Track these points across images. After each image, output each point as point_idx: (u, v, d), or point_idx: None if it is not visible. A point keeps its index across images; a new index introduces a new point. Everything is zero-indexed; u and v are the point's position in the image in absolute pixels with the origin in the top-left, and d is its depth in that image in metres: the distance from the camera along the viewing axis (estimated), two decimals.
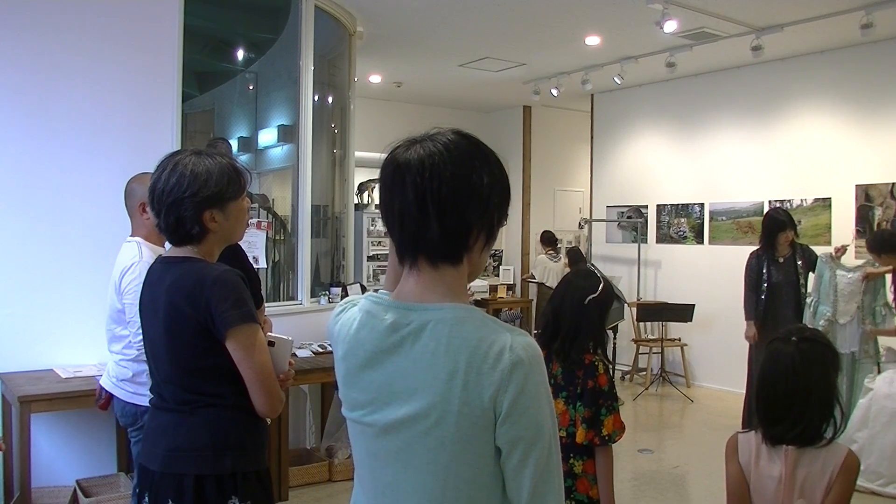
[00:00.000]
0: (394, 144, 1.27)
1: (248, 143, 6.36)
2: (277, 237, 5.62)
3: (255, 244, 4.70)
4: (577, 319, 2.49)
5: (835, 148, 6.83)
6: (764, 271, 5.41)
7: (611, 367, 2.85)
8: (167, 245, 2.22)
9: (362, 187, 8.14)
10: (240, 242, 2.53)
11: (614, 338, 7.73)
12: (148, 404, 2.12)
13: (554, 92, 7.95)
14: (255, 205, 4.95)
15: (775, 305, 5.38)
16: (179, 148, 4.29)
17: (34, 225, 3.96)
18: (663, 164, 8.29)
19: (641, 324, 7.94)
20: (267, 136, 6.18)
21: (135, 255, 2.86)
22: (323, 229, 5.98)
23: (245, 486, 1.94)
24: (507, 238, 10.05)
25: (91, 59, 4.10)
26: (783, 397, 1.93)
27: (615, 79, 7.32)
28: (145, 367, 2.71)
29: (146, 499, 1.96)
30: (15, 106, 3.93)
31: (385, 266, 8.14)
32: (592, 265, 8.17)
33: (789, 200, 7.11)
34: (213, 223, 1.98)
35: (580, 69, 7.57)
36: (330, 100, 6.21)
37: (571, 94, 8.32)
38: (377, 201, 8.22)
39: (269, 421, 2.09)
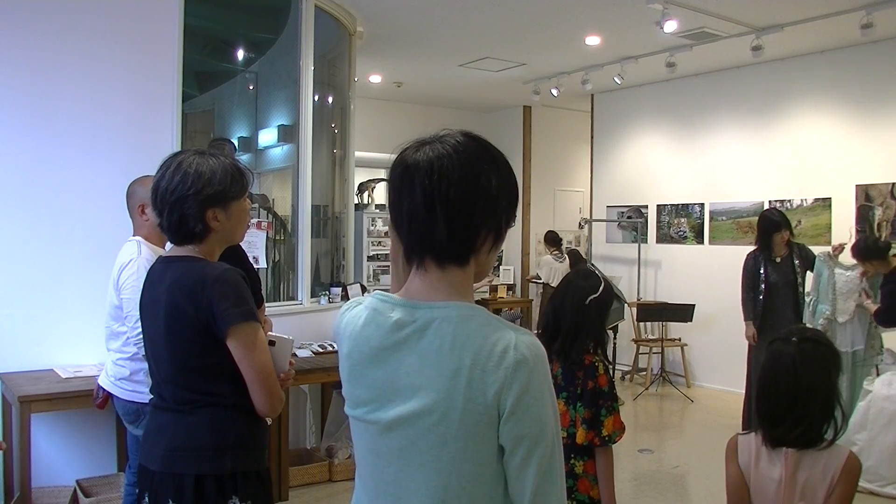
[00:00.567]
0: (403, 145, 1.27)
1: (248, 143, 6.36)
2: (277, 237, 5.62)
3: (255, 244, 4.71)
4: (577, 319, 2.49)
5: (835, 148, 6.83)
6: (761, 272, 5.41)
7: (611, 367, 2.85)
8: (167, 246, 2.22)
9: (362, 187, 8.15)
10: (240, 242, 2.54)
11: (614, 338, 7.73)
12: (148, 400, 2.12)
13: (554, 92, 7.95)
14: (255, 205, 4.95)
15: (774, 305, 5.38)
16: (179, 148, 4.29)
17: (34, 225, 3.96)
18: (663, 164, 8.29)
19: (641, 324, 7.94)
20: (267, 136, 6.18)
21: (133, 252, 2.89)
22: (323, 229, 5.97)
23: (245, 485, 1.94)
24: (507, 238, 9.95)
25: (91, 59, 4.10)
26: (784, 398, 1.91)
27: (615, 79, 7.32)
28: (143, 365, 2.73)
29: (146, 499, 1.96)
30: (15, 106, 3.93)
31: (385, 266, 8.17)
32: (592, 265, 8.17)
33: (789, 200, 7.11)
34: (215, 222, 1.98)
35: (580, 69, 7.57)
36: (330, 100, 6.21)
37: (571, 94, 8.32)
38: (377, 201, 8.22)
39: (269, 421, 2.09)
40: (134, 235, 3.02)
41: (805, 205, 7.01)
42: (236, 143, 6.34)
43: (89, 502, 3.72)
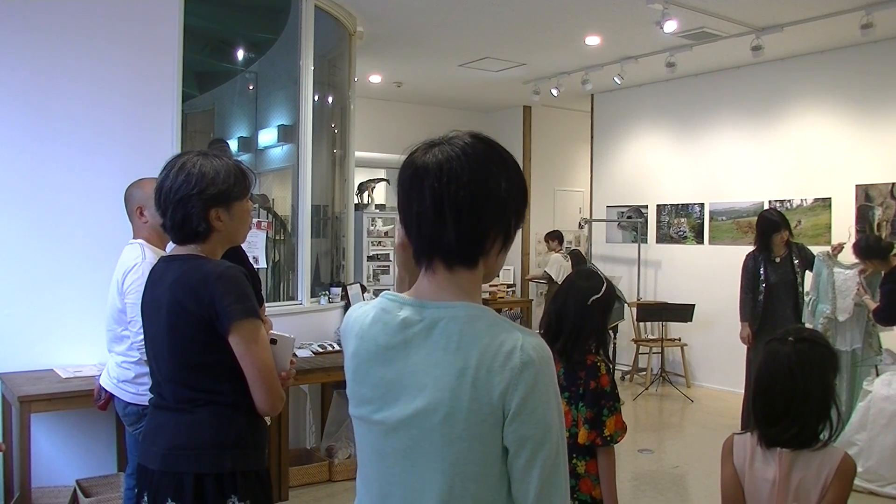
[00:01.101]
0: (411, 147, 1.27)
1: (248, 143, 6.36)
2: (277, 237, 5.62)
3: (255, 244, 4.71)
4: (579, 320, 2.49)
5: (835, 148, 6.83)
6: (761, 272, 5.41)
7: (612, 367, 2.85)
8: (169, 247, 2.22)
9: (362, 187, 8.14)
10: (242, 243, 2.55)
11: (614, 338, 7.73)
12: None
13: (554, 92, 7.95)
14: (256, 205, 4.95)
15: (774, 305, 5.38)
16: (180, 148, 4.30)
17: (34, 225, 3.96)
18: (663, 164, 8.29)
19: (641, 324, 7.94)
20: (267, 136, 6.18)
21: (138, 256, 2.87)
22: (323, 229, 5.97)
23: (245, 485, 1.94)
24: None
25: (91, 59, 4.10)
26: (780, 398, 1.91)
27: (615, 79, 7.32)
28: (148, 368, 2.73)
29: (145, 498, 1.96)
30: (15, 106, 3.93)
31: (385, 266, 8.16)
32: (592, 265, 8.17)
33: (789, 200, 7.11)
34: (218, 222, 2.00)
35: (580, 69, 7.57)
36: (330, 100, 6.21)
37: (571, 94, 8.32)
38: (377, 201, 8.20)
39: (268, 421, 2.09)
40: (134, 238, 2.99)
41: (805, 205, 7.01)
42: (236, 144, 6.34)
43: (89, 502, 3.72)
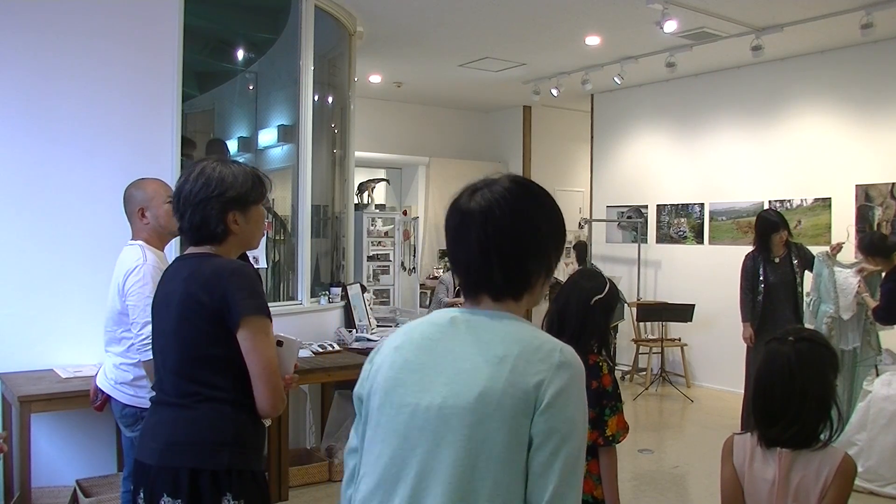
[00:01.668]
0: (455, 194, 1.37)
1: (248, 143, 6.36)
2: (277, 237, 5.62)
3: None
4: (582, 320, 2.48)
5: (835, 148, 6.83)
6: (760, 272, 5.41)
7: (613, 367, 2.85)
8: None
9: (362, 187, 8.14)
10: (256, 249, 2.60)
11: (614, 337, 7.73)
12: (148, 406, 2.13)
13: (554, 92, 7.95)
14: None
15: (773, 306, 5.38)
16: (179, 148, 4.30)
17: (34, 225, 3.96)
18: (663, 164, 8.29)
19: (641, 324, 7.94)
20: (267, 136, 6.18)
21: (139, 258, 2.86)
22: (323, 229, 5.98)
23: (240, 484, 1.94)
24: None
25: (91, 59, 4.10)
26: (780, 398, 1.90)
27: (615, 79, 7.32)
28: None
29: (142, 494, 1.96)
30: (15, 106, 3.93)
31: (384, 266, 8.16)
32: (592, 265, 8.18)
33: (789, 200, 7.11)
34: (234, 225, 2.05)
35: (580, 69, 7.57)
36: (330, 100, 6.21)
37: (571, 94, 8.32)
38: (377, 201, 8.19)
39: (267, 423, 2.09)
40: (133, 239, 2.97)
41: (805, 205, 7.01)
42: (236, 144, 6.34)
43: (89, 502, 3.72)
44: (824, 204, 6.87)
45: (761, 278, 5.40)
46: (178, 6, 4.35)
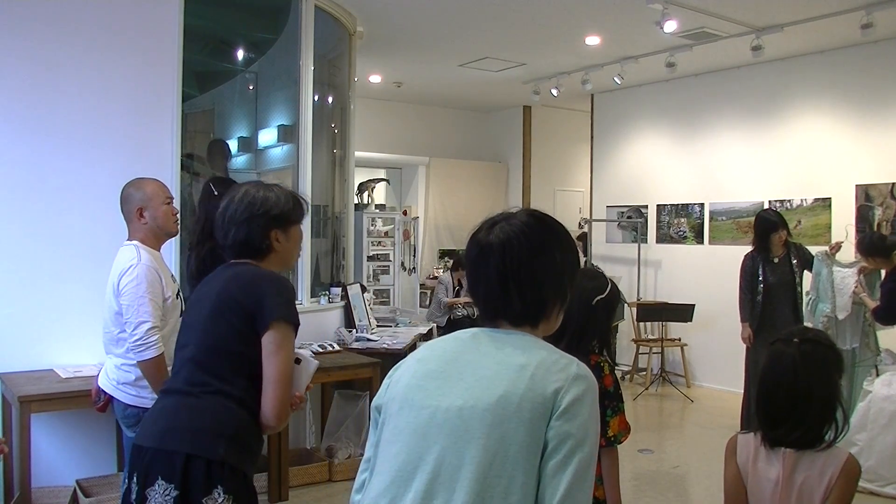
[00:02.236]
0: (474, 228, 1.45)
1: (248, 143, 6.36)
2: None
3: None
4: (583, 320, 2.47)
5: (835, 148, 6.83)
6: (759, 272, 5.40)
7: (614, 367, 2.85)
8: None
9: (362, 187, 8.15)
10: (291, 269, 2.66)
11: (615, 337, 7.73)
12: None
13: (554, 92, 7.94)
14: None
15: (773, 306, 5.38)
16: (179, 148, 4.30)
17: (35, 224, 3.96)
18: (663, 164, 8.29)
19: (641, 324, 7.94)
20: (267, 136, 6.18)
21: (133, 258, 2.86)
22: (323, 229, 5.98)
23: (232, 479, 1.95)
24: None
25: (91, 59, 4.10)
26: (784, 399, 1.90)
27: (615, 79, 7.32)
28: None
29: (135, 479, 1.97)
30: (15, 106, 3.93)
31: (384, 266, 8.16)
32: (592, 265, 8.18)
33: (789, 200, 7.11)
34: (276, 242, 2.15)
35: (580, 69, 7.57)
36: (330, 100, 6.21)
37: (571, 94, 8.32)
38: (377, 201, 8.20)
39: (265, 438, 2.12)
40: (130, 239, 2.96)
41: (805, 205, 7.01)
42: (236, 144, 6.34)
43: (89, 502, 3.72)
44: (824, 204, 6.87)
45: (760, 278, 5.40)
46: (178, 6, 4.35)
